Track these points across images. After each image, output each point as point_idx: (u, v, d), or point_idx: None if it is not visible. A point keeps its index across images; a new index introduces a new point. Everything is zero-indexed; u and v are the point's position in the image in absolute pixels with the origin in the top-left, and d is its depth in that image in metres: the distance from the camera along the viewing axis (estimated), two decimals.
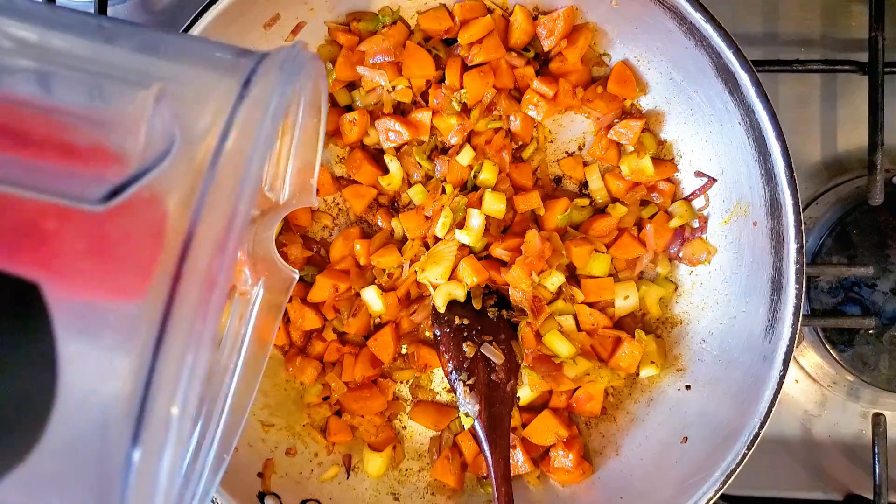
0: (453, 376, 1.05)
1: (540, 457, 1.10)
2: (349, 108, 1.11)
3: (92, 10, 1.13)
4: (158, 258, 0.50)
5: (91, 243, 0.50)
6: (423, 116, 1.08)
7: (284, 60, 0.58)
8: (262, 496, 1.02)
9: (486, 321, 1.08)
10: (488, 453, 1.01)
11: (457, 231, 1.05)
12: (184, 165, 0.52)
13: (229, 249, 0.49)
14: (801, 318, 0.89)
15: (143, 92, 0.52)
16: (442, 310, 1.07)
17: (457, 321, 1.07)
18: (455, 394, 1.04)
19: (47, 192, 0.47)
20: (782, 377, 0.89)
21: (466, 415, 1.04)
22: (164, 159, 0.50)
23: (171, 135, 0.51)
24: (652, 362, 1.07)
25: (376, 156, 1.12)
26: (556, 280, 1.05)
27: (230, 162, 0.51)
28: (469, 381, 1.04)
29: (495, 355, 1.04)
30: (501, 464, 1.00)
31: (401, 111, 1.11)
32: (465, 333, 1.06)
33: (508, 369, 1.05)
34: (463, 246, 1.06)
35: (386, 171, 1.10)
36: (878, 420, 1.09)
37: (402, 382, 1.14)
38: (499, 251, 1.06)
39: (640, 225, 1.10)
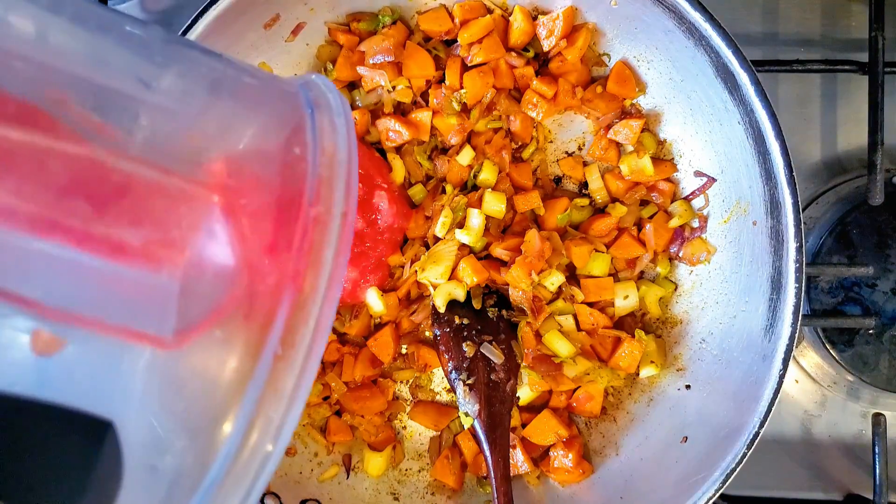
0: (453, 376, 1.05)
1: (540, 457, 1.10)
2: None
3: None
4: (228, 404, 0.50)
5: (160, 378, 0.50)
6: (423, 116, 1.08)
7: (334, 106, 0.58)
8: (261, 495, 1.02)
9: (486, 321, 1.08)
10: (488, 453, 1.01)
11: (457, 231, 1.05)
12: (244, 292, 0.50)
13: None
14: (800, 318, 0.89)
15: (200, 190, 0.50)
16: (442, 310, 1.07)
17: (457, 321, 1.07)
18: (455, 394, 1.04)
19: (119, 327, 0.47)
20: (782, 376, 0.89)
21: (466, 414, 1.04)
22: (227, 282, 0.50)
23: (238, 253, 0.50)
24: (652, 362, 1.07)
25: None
26: (555, 280, 1.05)
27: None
28: (469, 381, 1.04)
29: (495, 355, 1.04)
30: (501, 464, 1.00)
31: (401, 111, 1.11)
32: (465, 333, 1.06)
33: (508, 369, 1.05)
34: (463, 246, 1.06)
35: (388, 167, 1.11)
36: (878, 420, 1.09)
37: (402, 382, 1.14)
38: (499, 251, 1.06)
39: (639, 225, 1.09)
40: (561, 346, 1.05)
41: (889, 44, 1.08)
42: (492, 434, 1.02)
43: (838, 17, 1.17)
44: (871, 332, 1.11)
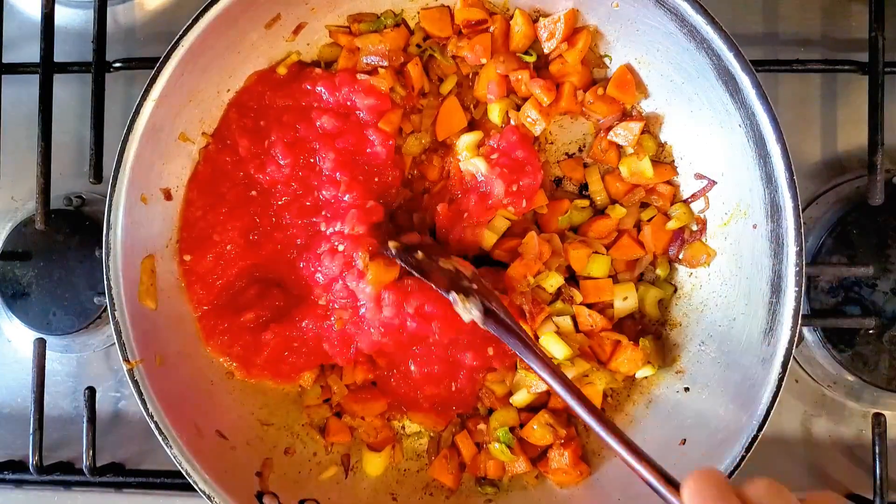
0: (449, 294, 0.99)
1: (538, 457, 1.09)
2: None
3: (92, 10, 1.14)
4: None
5: None
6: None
7: None
8: (260, 495, 1.02)
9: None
10: (510, 338, 0.96)
11: None
12: None
13: None
14: (800, 321, 0.89)
15: None
16: None
17: (418, 252, 1.03)
18: (456, 307, 0.98)
19: None
20: (781, 380, 0.89)
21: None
22: None
23: None
24: (648, 362, 1.06)
25: None
26: (554, 282, 1.05)
27: None
28: (468, 285, 1.00)
29: (465, 266, 1.02)
30: (524, 336, 0.96)
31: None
32: (429, 254, 1.03)
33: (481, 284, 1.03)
34: None
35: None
36: (878, 420, 1.09)
37: None
38: (498, 252, 1.07)
39: (639, 227, 1.09)
40: (556, 349, 1.04)
41: (889, 44, 1.07)
42: (499, 322, 0.97)
43: (838, 16, 1.17)
44: (871, 331, 1.11)
